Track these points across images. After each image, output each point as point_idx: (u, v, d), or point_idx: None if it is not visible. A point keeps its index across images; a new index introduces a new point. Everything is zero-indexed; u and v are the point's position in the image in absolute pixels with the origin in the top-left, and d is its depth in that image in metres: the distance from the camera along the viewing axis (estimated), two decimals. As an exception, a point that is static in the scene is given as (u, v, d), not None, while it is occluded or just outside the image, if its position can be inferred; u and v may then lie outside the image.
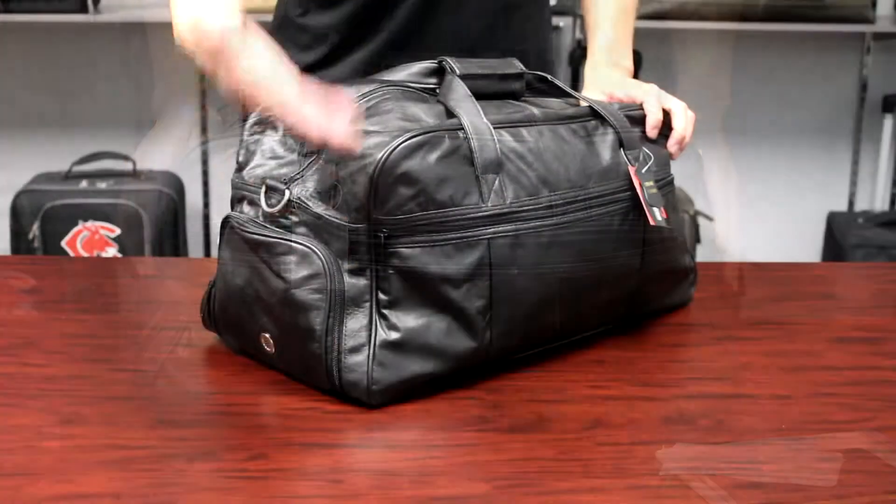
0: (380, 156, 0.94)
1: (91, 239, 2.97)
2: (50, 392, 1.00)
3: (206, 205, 3.38)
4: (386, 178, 0.94)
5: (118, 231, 2.98)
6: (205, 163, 3.34)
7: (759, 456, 0.90)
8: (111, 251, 2.98)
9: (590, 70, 1.35)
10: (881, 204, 3.43)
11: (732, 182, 3.43)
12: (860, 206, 3.50)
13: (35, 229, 2.97)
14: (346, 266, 0.97)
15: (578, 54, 3.13)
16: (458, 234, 0.98)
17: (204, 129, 3.30)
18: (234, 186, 1.06)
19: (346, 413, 0.96)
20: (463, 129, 0.99)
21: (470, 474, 0.86)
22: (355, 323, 0.97)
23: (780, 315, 1.23)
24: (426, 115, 1.01)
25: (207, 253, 3.41)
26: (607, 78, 1.31)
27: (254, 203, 1.03)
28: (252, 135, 1.07)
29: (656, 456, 0.90)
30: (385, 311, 0.97)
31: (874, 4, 3.26)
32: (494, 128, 1.01)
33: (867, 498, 0.84)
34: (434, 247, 0.97)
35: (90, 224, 2.97)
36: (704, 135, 3.48)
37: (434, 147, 0.97)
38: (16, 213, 3.00)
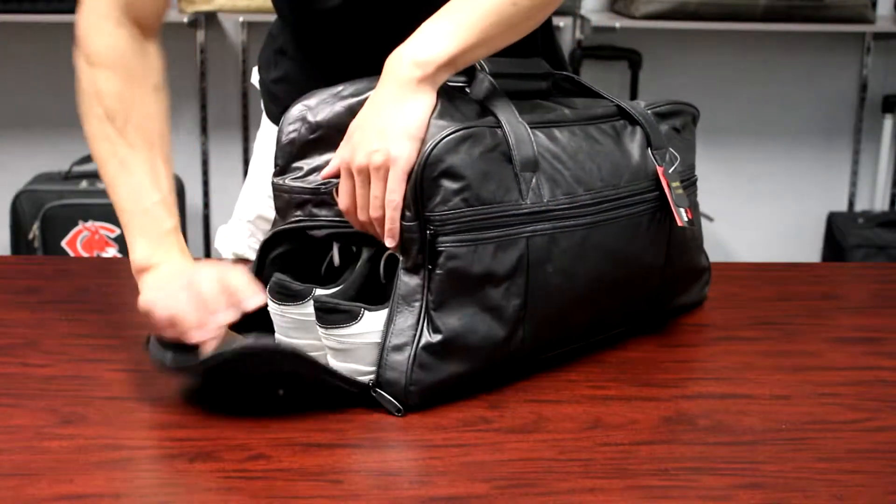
0: (423, 149, 0.95)
1: (91, 239, 2.97)
2: (50, 392, 1.00)
3: (206, 205, 3.38)
4: (430, 172, 0.94)
5: (118, 231, 2.97)
6: (205, 163, 3.34)
7: (759, 456, 0.90)
8: (111, 251, 2.98)
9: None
10: (881, 204, 3.43)
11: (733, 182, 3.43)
12: (860, 206, 3.50)
13: (35, 229, 2.97)
14: (402, 264, 0.97)
15: (579, 54, 3.12)
16: (500, 232, 0.97)
17: (204, 129, 3.30)
18: (284, 191, 1.04)
19: (346, 413, 0.96)
20: (500, 126, 0.99)
21: (470, 474, 0.86)
22: (403, 321, 0.97)
23: (780, 315, 1.23)
24: (461, 111, 1.00)
25: (207, 253, 3.41)
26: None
27: (325, 203, 1.02)
28: (287, 135, 1.05)
29: (656, 456, 0.90)
30: (432, 313, 0.97)
31: (874, 4, 3.26)
32: (529, 127, 1.01)
33: (867, 498, 0.84)
34: (478, 245, 0.97)
35: (90, 224, 2.97)
36: (705, 135, 3.48)
37: (477, 142, 0.97)
38: (16, 213, 3.00)
